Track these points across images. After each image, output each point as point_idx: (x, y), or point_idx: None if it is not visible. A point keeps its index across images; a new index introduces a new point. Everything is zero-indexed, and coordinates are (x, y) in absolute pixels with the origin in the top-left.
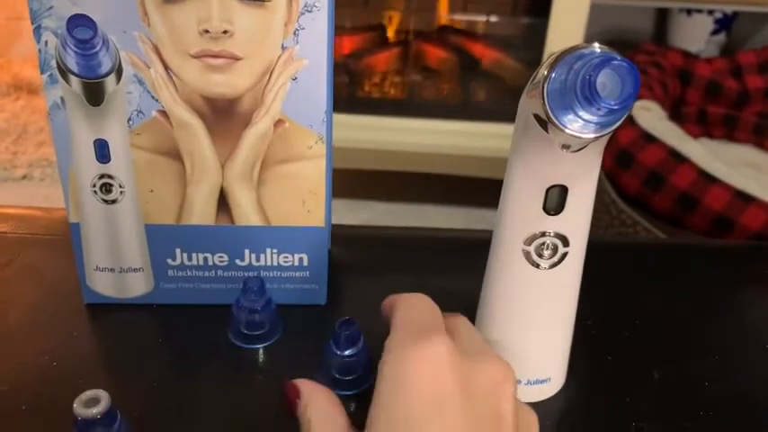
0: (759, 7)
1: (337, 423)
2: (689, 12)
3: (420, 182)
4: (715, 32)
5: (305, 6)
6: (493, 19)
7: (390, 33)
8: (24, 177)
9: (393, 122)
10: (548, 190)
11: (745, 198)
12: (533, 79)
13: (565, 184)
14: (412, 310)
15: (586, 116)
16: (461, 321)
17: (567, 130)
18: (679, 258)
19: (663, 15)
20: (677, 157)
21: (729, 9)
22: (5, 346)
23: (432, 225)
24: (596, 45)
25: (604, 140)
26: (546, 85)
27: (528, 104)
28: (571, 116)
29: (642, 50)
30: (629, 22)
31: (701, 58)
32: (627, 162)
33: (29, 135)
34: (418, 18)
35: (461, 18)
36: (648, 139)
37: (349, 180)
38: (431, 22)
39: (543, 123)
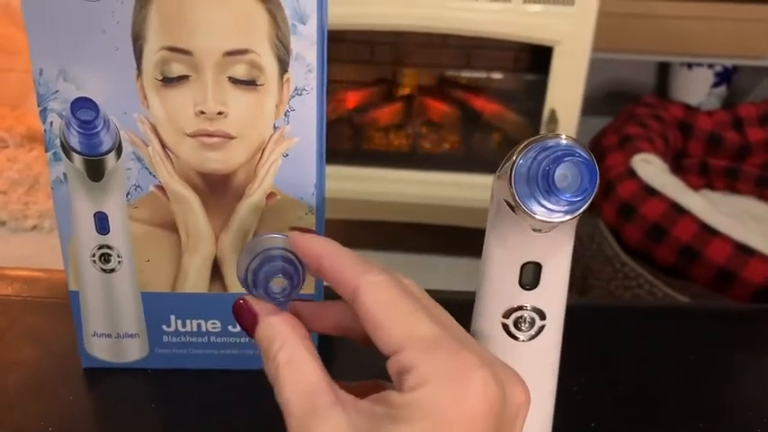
0: (758, 61)
1: (314, 382)
2: (689, 65)
3: (423, 232)
4: (716, 85)
5: (295, 90)
6: (495, 75)
7: (394, 88)
8: (34, 228)
9: (397, 174)
10: (522, 266)
11: (746, 251)
12: (504, 163)
13: (538, 261)
14: (413, 314)
15: (548, 205)
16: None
17: (533, 216)
18: (667, 321)
19: (664, 69)
20: (678, 210)
21: (729, 63)
22: (2, 411)
23: (434, 275)
24: (563, 136)
25: (574, 221)
26: (513, 172)
27: (498, 187)
28: (536, 203)
29: (643, 103)
30: (631, 75)
31: (701, 111)
32: (629, 215)
33: (41, 186)
34: (422, 73)
35: (464, 74)
36: (650, 191)
37: (351, 230)
38: (434, 78)
39: (512, 207)
